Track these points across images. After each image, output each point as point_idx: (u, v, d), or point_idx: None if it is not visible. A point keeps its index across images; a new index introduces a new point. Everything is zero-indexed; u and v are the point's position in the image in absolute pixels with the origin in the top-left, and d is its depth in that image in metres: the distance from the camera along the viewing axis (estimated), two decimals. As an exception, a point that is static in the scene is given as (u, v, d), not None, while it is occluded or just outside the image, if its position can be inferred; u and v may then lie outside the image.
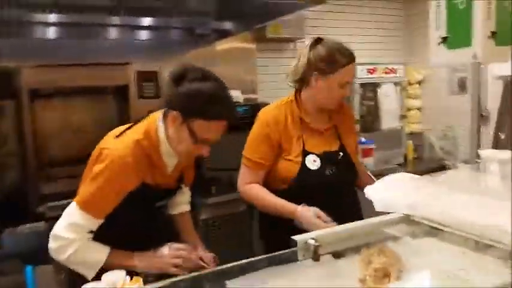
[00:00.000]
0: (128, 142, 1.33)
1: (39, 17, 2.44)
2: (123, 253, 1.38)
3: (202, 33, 3.04)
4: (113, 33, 2.74)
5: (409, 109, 4.09)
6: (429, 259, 0.82)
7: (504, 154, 1.10)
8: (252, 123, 2.70)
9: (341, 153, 1.71)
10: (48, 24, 2.49)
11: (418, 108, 4.19)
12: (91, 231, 1.35)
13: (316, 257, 0.87)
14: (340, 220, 1.28)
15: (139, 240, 1.41)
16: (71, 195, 2.12)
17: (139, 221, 1.45)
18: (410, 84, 4.09)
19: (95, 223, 1.34)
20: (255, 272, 1.01)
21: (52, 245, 1.34)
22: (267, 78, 3.77)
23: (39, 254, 2.14)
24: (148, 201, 1.44)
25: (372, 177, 1.81)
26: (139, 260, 1.36)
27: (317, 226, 1.39)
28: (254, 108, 2.74)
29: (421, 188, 0.92)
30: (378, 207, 0.99)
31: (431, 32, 1.14)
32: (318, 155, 1.66)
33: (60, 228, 1.33)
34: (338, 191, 1.67)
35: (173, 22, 2.87)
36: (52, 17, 2.48)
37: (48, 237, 1.33)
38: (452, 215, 0.81)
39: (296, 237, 0.88)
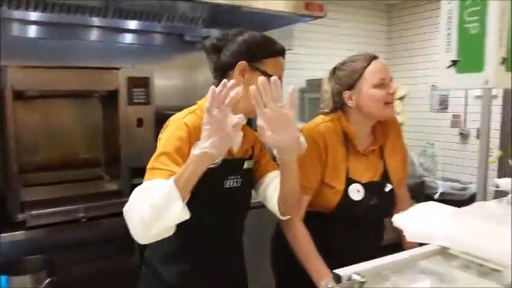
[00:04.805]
0: (184, 112, 1.36)
1: (21, 14, 2.36)
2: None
3: (192, 40, 3.03)
4: (99, 35, 2.67)
5: (390, 124, 4.16)
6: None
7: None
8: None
9: (388, 185, 1.55)
10: (30, 22, 2.41)
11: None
12: None
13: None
14: (364, 250, 1.20)
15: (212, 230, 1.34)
16: (53, 202, 2.07)
17: (210, 206, 1.33)
18: (392, 100, 4.18)
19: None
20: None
21: (132, 225, 1.14)
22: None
23: (16, 264, 2.06)
24: (211, 179, 1.28)
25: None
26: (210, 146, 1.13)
27: None
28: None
29: (459, 220, 0.90)
30: (409, 237, 0.96)
31: (440, 54, 1.15)
32: (362, 185, 1.50)
33: (133, 200, 1.17)
34: (376, 221, 1.55)
35: (162, 27, 2.83)
36: (35, 15, 2.40)
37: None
38: (499, 249, 0.77)
39: (339, 271, 0.81)
